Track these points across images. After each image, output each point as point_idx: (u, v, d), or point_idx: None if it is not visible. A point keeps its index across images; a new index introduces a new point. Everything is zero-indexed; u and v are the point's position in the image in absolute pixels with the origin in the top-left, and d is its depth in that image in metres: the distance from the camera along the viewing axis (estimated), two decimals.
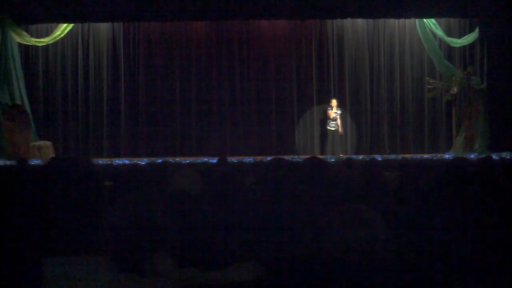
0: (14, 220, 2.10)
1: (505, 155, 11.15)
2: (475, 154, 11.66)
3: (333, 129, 12.64)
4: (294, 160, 10.74)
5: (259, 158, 11.59)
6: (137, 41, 13.88)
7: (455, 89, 12.82)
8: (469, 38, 13.20)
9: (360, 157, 11.59)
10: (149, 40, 13.91)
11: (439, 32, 13.24)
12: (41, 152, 12.02)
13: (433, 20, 13.20)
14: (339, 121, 12.66)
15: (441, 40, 13.41)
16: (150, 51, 13.88)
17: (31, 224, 1.81)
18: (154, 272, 2.02)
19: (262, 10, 12.70)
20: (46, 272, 1.57)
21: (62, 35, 13.19)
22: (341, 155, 12.05)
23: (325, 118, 12.97)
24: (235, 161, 10.92)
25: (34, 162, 10.58)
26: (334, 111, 12.62)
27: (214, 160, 9.68)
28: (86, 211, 1.72)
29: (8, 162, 10.74)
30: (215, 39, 13.95)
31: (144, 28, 13.88)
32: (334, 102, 12.73)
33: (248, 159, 11.50)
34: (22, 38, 12.80)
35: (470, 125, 12.55)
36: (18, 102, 12.53)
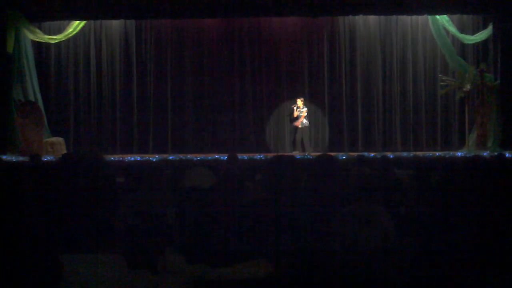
0: (27, 216, 2.12)
1: None
2: (488, 151, 11.56)
3: (300, 126, 12.86)
4: (305, 157, 10.73)
5: (270, 155, 11.60)
6: (148, 38, 13.92)
7: (468, 86, 12.71)
8: (482, 35, 13.07)
9: (372, 154, 11.54)
10: (161, 37, 13.95)
11: (452, 29, 13.13)
12: (53, 148, 12.12)
13: (445, 16, 13.09)
14: (302, 119, 12.82)
15: (454, 37, 13.29)
16: (161, 48, 13.92)
17: (44, 221, 1.82)
18: (166, 269, 2.03)
19: (273, 7, 12.66)
20: (64, 269, 1.59)
21: (75, 32, 13.26)
22: (307, 153, 12.24)
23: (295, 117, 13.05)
24: (246, 158, 10.93)
25: (47, 158, 10.66)
26: (300, 110, 12.83)
27: (225, 157, 9.69)
28: (99, 208, 1.73)
29: (21, 158, 10.83)
30: (226, 36, 13.94)
31: (156, 25, 13.91)
32: (299, 102, 12.89)
33: (258, 156, 11.50)
34: (35, 35, 12.88)
35: (483, 122, 12.44)
36: (31, 98, 12.62)
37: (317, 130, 13.77)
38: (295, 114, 12.95)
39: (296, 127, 12.96)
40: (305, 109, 12.91)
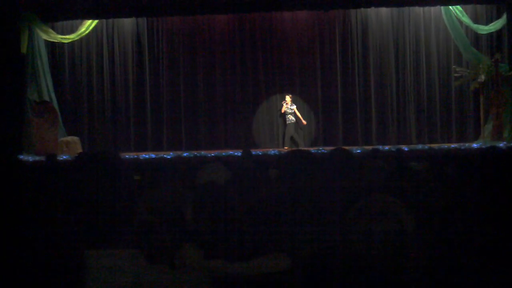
0: (44, 214, 2.14)
1: None
2: (504, 142, 11.45)
3: (287, 122, 12.93)
4: (319, 151, 10.72)
5: (284, 150, 11.60)
6: (161, 36, 13.97)
7: (482, 77, 12.58)
8: (496, 25, 12.93)
9: (387, 147, 11.48)
10: (173, 34, 13.99)
11: (465, 19, 13.00)
12: (69, 147, 12.23)
13: (459, 7, 12.96)
14: (298, 114, 12.92)
15: (467, 27, 13.16)
16: (173, 45, 13.96)
17: (62, 219, 1.84)
18: (183, 264, 2.05)
19: (285, 1, 12.64)
20: (87, 264, 1.61)
21: (87, 31, 13.35)
22: (286, 148, 12.34)
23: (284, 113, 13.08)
24: (260, 154, 10.94)
25: (63, 157, 10.76)
26: (288, 107, 12.85)
27: (239, 153, 9.71)
28: (116, 205, 1.75)
29: (37, 158, 10.94)
30: (237, 32, 13.94)
31: (167, 23, 13.96)
32: (288, 98, 12.84)
33: (272, 151, 11.51)
34: (48, 35, 12.99)
35: (498, 113, 12.32)
36: (46, 98, 12.74)
37: (331, 124, 13.73)
38: (283, 110, 12.96)
39: (288, 123, 12.94)
40: (294, 106, 12.91)
